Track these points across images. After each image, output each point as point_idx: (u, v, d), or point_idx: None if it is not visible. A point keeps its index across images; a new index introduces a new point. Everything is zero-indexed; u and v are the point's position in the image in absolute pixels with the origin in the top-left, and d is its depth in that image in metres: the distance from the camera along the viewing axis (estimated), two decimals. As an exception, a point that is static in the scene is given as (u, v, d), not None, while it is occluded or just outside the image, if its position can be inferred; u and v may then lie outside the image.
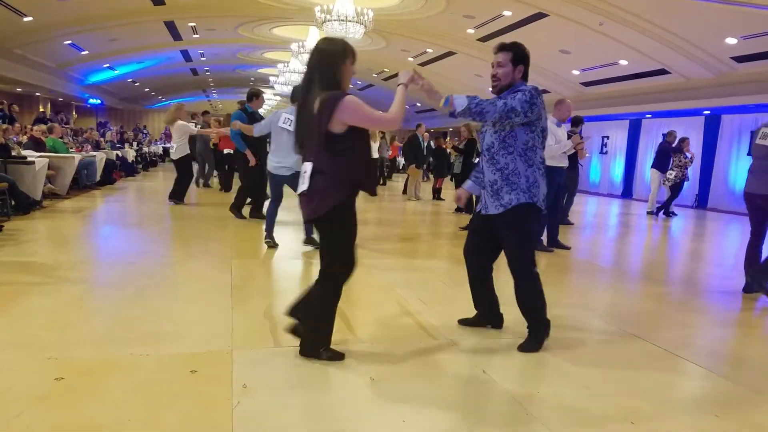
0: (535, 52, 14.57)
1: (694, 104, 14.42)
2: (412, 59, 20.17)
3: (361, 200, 10.83)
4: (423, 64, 20.26)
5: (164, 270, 5.11)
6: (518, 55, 3.36)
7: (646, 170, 17.61)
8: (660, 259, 7.59)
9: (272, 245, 6.23)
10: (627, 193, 18.02)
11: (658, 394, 2.91)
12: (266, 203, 7.16)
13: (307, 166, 2.96)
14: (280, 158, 6.07)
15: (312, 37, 16.72)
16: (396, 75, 21.14)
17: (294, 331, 3.20)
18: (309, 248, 6.21)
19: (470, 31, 15.52)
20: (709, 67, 13.20)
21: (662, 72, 14.26)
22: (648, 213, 12.23)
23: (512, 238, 3.38)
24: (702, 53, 12.75)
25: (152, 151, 22.46)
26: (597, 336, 3.85)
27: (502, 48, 3.39)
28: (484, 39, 15.82)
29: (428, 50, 18.54)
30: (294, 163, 5.99)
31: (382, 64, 22.41)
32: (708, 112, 14.96)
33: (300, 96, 3.05)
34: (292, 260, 5.90)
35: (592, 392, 2.92)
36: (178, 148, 9.67)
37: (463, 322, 3.83)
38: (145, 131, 28.92)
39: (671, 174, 11.82)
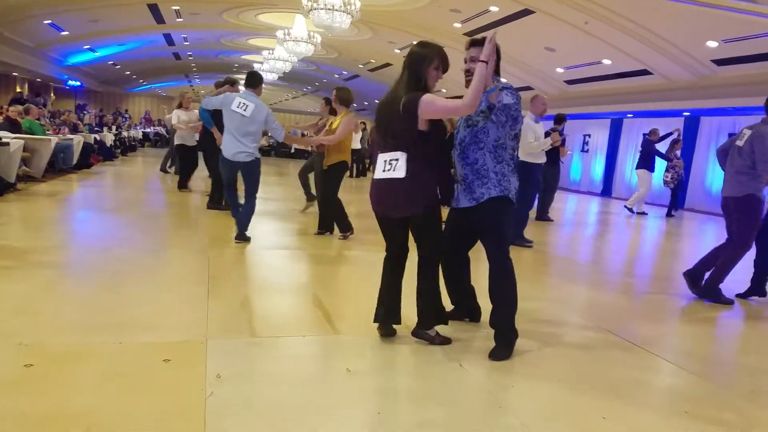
0: (521, 48, 14.66)
1: (674, 105, 14.60)
2: (398, 51, 20.11)
3: (345, 192, 10.76)
4: (409, 57, 20.18)
5: (140, 257, 5.04)
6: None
7: (626, 169, 17.83)
8: (637, 257, 7.69)
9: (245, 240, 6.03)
10: (607, 191, 18.22)
11: (631, 390, 2.95)
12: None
13: (399, 155, 3.12)
14: (236, 144, 5.82)
15: (298, 25, 16.54)
16: (385, 65, 20.96)
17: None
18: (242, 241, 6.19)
19: (457, 25, 15.50)
20: (690, 69, 13.36)
21: (644, 72, 14.39)
22: (626, 207, 12.34)
23: (487, 231, 3.39)
24: (683, 55, 12.89)
25: (132, 136, 22.13)
26: (572, 331, 3.89)
27: (474, 43, 3.37)
28: (470, 34, 15.81)
29: (414, 42, 18.47)
30: (254, 149, 5.90)
31: (369, 55, 22.31)
32: (688, 113, 15.16)
33: (391, 92, 3.23)
34: (270, 250, 5.86)
35: (565, 386, 2.95)
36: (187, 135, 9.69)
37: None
38: (125, 115, 28.50)
39: (668, 176, 12.02)
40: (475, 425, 2.45)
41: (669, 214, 12.35)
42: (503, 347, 3.31)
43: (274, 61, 22.33)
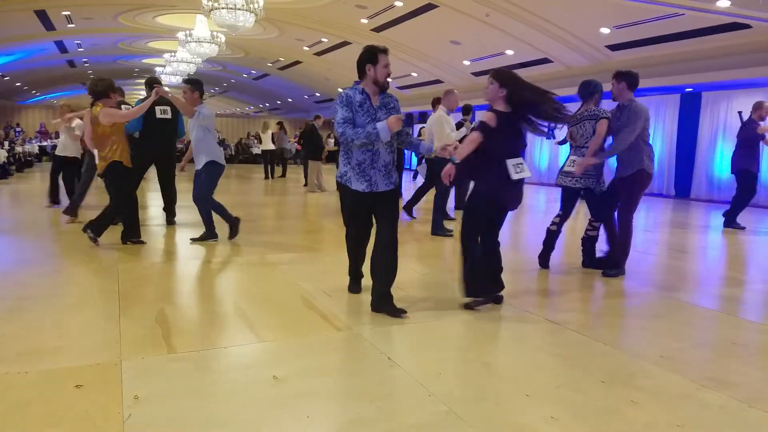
0: (428, 43, 14.98)
1: (574, 91, 15.26)
2: (307, 48, 19.92)
3: (261, 193, 10.47)
4: (318, 54, 20.08)
5: (42, 279, 4.70)
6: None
7: (535, 155, 18.55)
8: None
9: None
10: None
11: (552, 368, 3.06)
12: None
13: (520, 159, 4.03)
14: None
15: (200, 26, 16.03)
16: (295, 63, 20.77)
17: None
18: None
19: (364, 21, 15.55)
20: (586, 56, 14.07)
21: (545, 61, 15.03)
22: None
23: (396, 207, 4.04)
24: (580, 42, 13.57)
25: (27, 151, 20.67)
26: (497, 315, 3.99)
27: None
28: (378, 29, 15.92)
29: (323, 40, 18.37)
30: None
31: (277, 54, 21.96)
32: (587, 98, 15.97)
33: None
34: (182, 261, 5.65)
35: (491, 370, 3.03)
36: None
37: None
38: (18, 129, 26.59)
39: None
40: (406, 416, 2.46)
41: None
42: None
43: (177, 63, 21.53)
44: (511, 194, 4.05)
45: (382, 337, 3.41)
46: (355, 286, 4.43)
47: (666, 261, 6.24)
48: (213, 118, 6.27)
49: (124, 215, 6.15)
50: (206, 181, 6.24)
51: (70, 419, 2.37)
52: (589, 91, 5.14)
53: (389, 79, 3.91)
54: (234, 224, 6.46)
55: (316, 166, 13.17)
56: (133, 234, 6.14)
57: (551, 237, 5.39)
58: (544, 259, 5.41)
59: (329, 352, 3.23)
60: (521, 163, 3.96)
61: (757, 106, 8.33)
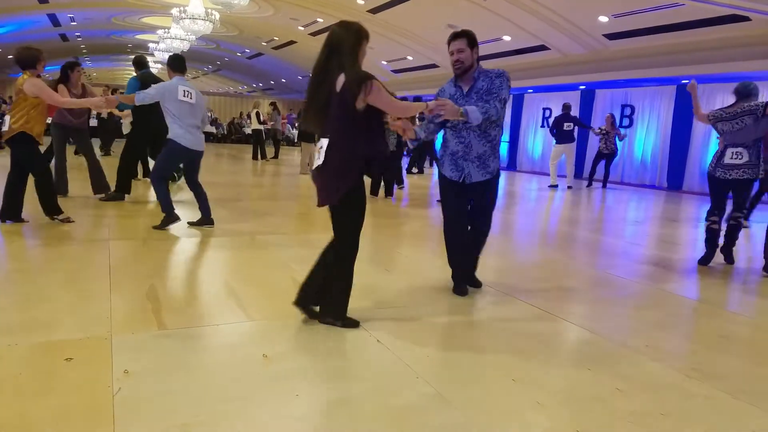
0: (424, 26, 14.90)
1: (571, 79, 15.32)
2: (302, 28, 19.74)
3: (253, 174, 10.46)
4: (314, 34, 19.90)
5: (33, 252, 4.69)
6: (471, 39, 3.86)
7: (528, 143, 18.57)
8: (545, 226, 8.06)
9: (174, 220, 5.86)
10: (512, 165, 18.92)
11: (537, 352, 3.10)
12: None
13: (324, 142, 3.12)
14: (196, 133, 5.79)
15: (194, 2, 15.82)
16: (290, 43, 20.69)
17: (309, 312, 3.36)
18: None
19: (360, 2, 15.42)
20: (583, 44, 14.03)
21: (542, 48, 14.98)
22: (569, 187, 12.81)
23: (491, 201, 4.00)
24: (577, 30, 13.52)
25: (18, 124, 20.39)
26: (484, 299, 4.02)
27: (456, 36, 3.82)
28: (374, 11, 15.78)
29: (319, 20, 18.21)
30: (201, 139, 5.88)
31: (272, 33, 21.74)
32: (583, 86, 15.97)
33: (319, 73, 3.11)
34: (173, 239, 5.63)
35: (476, 352, 3.07)
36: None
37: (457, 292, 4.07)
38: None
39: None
40: (393, 397, 2.49)
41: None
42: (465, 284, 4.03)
43: (170, 40, 21.28)
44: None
45: (371, 319, 3.43)
46: (458, 287, 4.08)
47: (655, 252, 6.29)
48: (159, 94, 5.57)
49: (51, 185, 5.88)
50: (160, 159, 5.89)
51: (59, 392, 2.38)
52: (748, 90, 5.39)
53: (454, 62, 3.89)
54: (169, 219, 5.79)
55: (309, 149, 13.12)
56: (55, 210, 5.80)
57: (714, 235, 5.53)
58: (706, 260, 5.54)
59: (318, 332, 3.25)
60: (321, 148, 3.25)
61: None
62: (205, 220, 5.99)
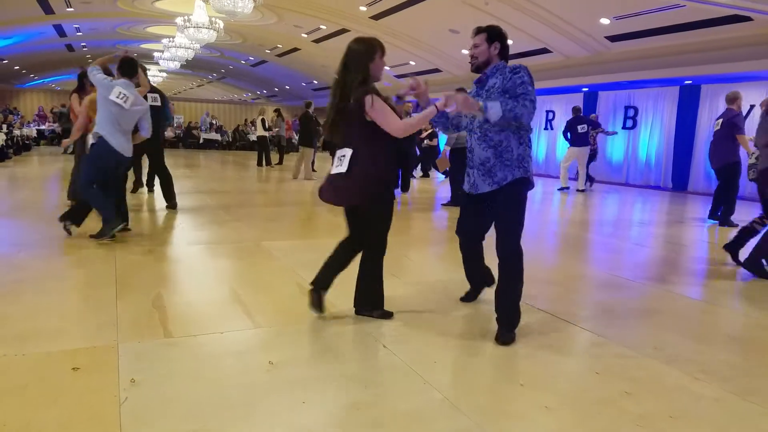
0: (426, 31, 14.90)
1: (573, 81, 15.30)
2: (305, 35, 19.81)
3: (258, 181, 10.50)
4: (316, 41, 19.97)
5: (40, 262, 4.70)
6: (492, 34, 3.43)
7: (533, 144, 18.53)
8: (557, 230, 8.03)
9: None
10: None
11: (544, 358, 3.08)
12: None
13: (346, 151, 3.28)
14: (125, 138, 5.48)
15: (198, 11, 15.91)
16: (293, 50, 20.57)
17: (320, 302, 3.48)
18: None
19: (363, 8, 15.45)
20: (586, 47, 14.02)
21: (544, 51, 14.97)
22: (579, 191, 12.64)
23: (507, 213, 3.40)
24: (579, 33, 13.51)
25: (25, 134, 20.57)
26: (491, 305, 3.99)
27: (477, 31, 3.48)
28: (377, 17, 15.82)
29: (321, 27, 18.26)
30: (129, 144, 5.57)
31: (275, 41, 21.82)
32: (586, 89, 15.95)
33: (336, 88, 3.34)
34: (179, 247, 5.65)
35: (484, 359, 3.05)
36: None
37: (464, 299, 4.01)
38: (16, 113, 26.44)
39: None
40: (400, 403, 2.48)
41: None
42: (509, 330, 3.30)
43: (175, 48, 21.38)
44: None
45: (377, 325, 3.43)
46: (468, 294, 4.05)
47: (662, 253, 6.26)
48: (100, 83, 5.41)
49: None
50: (85, 164, 5.63)
51: (65, 402, 2.38)
52: None
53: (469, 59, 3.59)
54: (108, 227, 5.46)
55: (307, 153, 13.19)
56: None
57: (748, 234, 5.41)
58: (735, 253, 5.43)
59: (325, 338, 3.24)
60: (343, 156, 3.38)
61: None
62: (107, 231, 5.48)
